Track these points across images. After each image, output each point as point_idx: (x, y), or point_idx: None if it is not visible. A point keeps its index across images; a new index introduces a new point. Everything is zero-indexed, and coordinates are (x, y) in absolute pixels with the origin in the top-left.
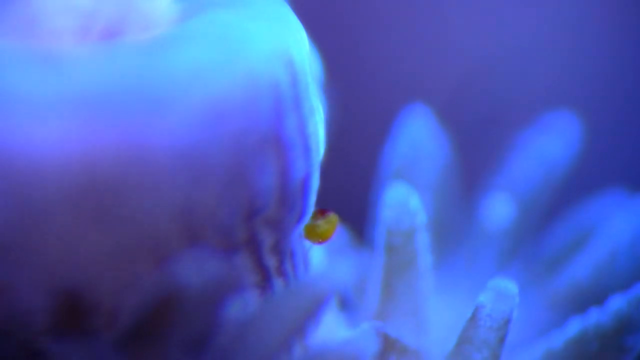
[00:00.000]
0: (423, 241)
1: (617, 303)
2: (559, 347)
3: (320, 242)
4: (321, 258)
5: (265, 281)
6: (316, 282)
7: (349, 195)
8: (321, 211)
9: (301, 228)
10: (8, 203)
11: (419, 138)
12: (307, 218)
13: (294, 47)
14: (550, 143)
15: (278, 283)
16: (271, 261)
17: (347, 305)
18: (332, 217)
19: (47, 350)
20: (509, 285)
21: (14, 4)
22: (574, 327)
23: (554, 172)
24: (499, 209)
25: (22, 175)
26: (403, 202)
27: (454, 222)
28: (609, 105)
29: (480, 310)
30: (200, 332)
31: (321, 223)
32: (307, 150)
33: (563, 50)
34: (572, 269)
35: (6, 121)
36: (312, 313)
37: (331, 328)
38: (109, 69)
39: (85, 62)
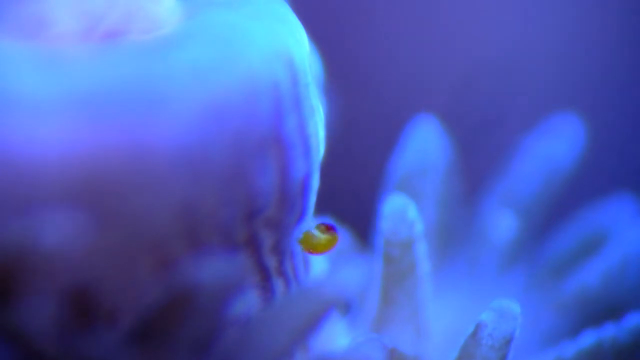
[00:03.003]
0: (421, 251)
1: (635, 319)
2: (570, 357)
3: (312, 253)
4: (324, 262)
5: (265, 281)
6: (322, 288)
7: (352, 197)
8: (327, 226)
9: (301, 230)
10: (9, 203)
11: (425, 147)
12: (308, 218)
13: (294, 47)
14: (554, 146)
15: (278, 283)
16: (271, 261)
17: (348, 310)
18: (334, 235)
19: (49, 351)
20: (512, 306)
21: (18, 3)
22: (588, 338)
23: (557, 175)
24: (503, 223)
25: (23, 176)
26: (401, 213)
27: (457, 228)
28: (614, 108)
29: (481, 329)
30: (207, 332)
31: (321, 237)
32: (307, 150)
33: (567, 53)
34: (581, 275)
35: (7, 121)
36: (316, 320)
37: (332, 333)
38: (109, 68)
39: (86, 62)
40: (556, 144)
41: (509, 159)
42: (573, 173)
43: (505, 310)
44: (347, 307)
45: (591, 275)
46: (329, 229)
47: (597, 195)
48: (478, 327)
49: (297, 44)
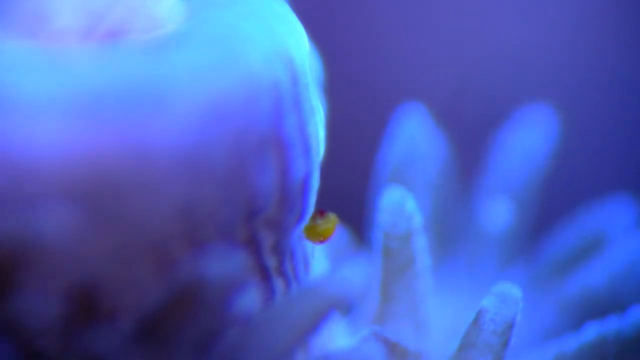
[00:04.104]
0: (420, 244)
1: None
2: (572, 351)
3: (321, 242)
4: (323, 260)
5: (265, 281)
6: (323, 287)
7: (349, 196)
8: (320, 212)
9: (301, 228)
10: (9, 204)
11: (415, 137)
12: (308, 218)
13: (294, 47)
14: (528, 136)
15: (278, 283)
16: (271, 261)
17: (350, 311)
18: (332, 216)
19: (51, 349)
20: (513, 290)
21: (19, 2)
22: (591, 332)
23: (537, 166)
24: (497, 212)
25: (22, 176)
26: (399, 205)
27: (454, 222)
28: (611, 106)
29: (483, 315)
30: (208, 331)
31: (321, 223)
32: (307, 150)
33: (567, 52)
34: (586, 275)
35: (6, 121)
36: (317, 319)
37: (332, 333)
38: (109, 69)
39: (86, 61)
40: (530, 134)
41: (489, 155)
42: (551, 162)
43: (507, 294)
44: (349, 308)
45: (595, 277)
46: (322, 213)
47: (596, 194)
48: (480, 313)
49: (297, 44)
